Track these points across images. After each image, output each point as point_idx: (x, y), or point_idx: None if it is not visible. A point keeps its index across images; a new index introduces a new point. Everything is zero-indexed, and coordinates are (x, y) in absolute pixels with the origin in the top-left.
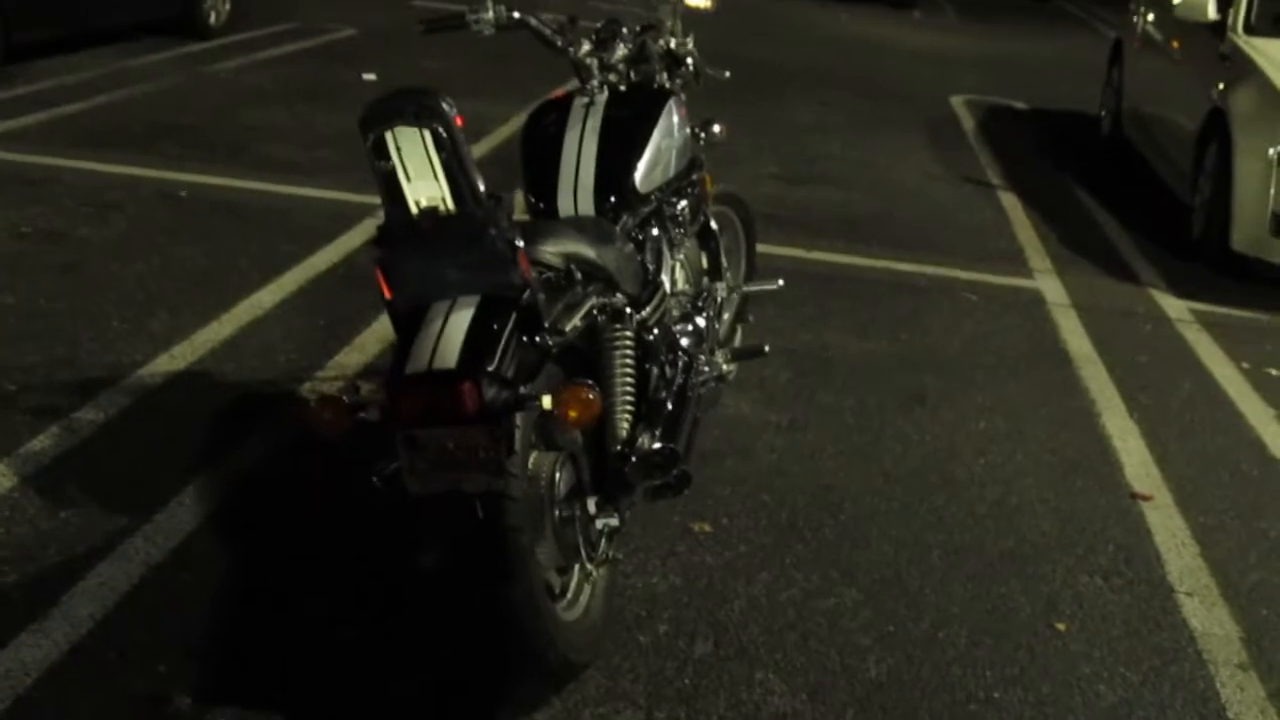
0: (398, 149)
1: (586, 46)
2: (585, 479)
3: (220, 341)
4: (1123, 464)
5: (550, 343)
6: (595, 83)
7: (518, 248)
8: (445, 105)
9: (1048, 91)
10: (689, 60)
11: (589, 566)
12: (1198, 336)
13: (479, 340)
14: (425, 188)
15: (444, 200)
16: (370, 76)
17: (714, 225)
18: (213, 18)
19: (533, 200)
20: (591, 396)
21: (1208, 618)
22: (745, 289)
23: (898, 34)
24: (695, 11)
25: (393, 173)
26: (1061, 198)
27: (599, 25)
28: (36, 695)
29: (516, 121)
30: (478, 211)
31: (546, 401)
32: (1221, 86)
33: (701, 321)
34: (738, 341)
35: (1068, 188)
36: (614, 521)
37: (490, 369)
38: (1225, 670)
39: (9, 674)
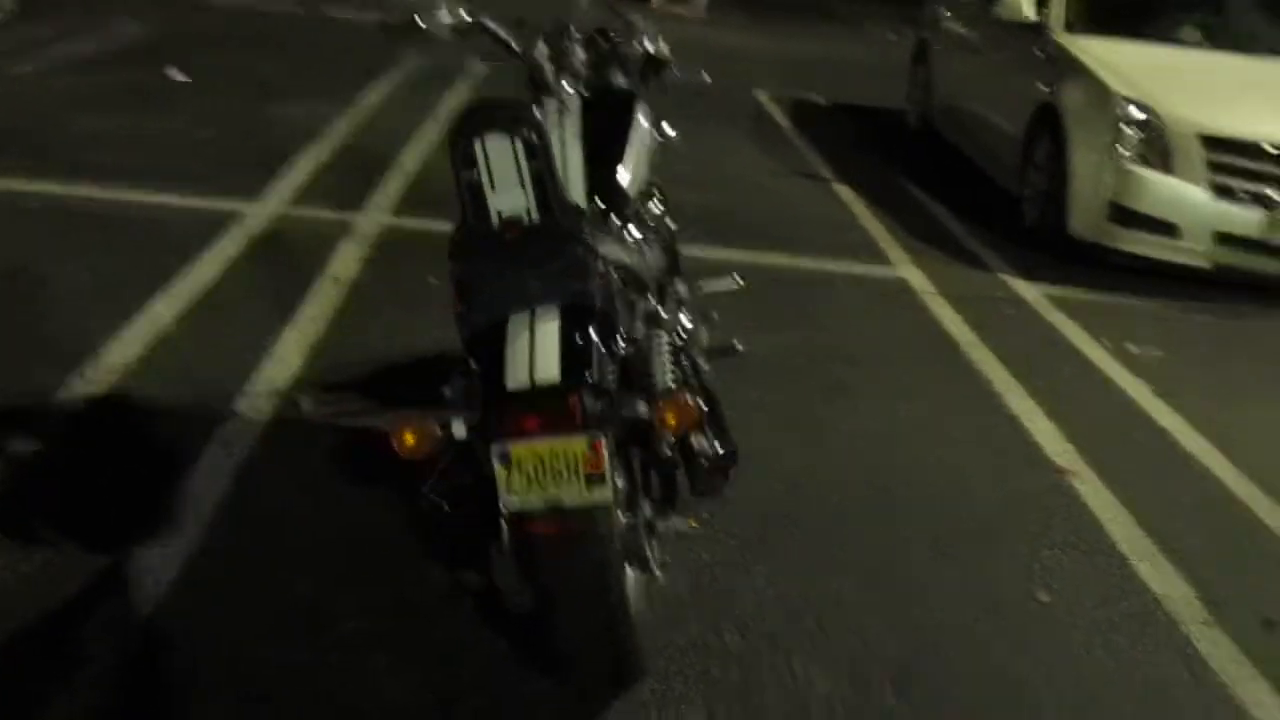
0: (486, 158)
1: (545, 50)
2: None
3: (135, 360)
4: (1039, 443)
5: (624, 350)
6: (566, 87)
7: (600, 256)
8: (538, 114)
9: (846, 89)
10: (668, 63)
11: (655, 570)
12: (1058, 318)
13: (573, 351)
14: (510, 198)
15: (529, 211)
16: (182, 77)
17: (670, 223)
18: None
19: None
20: (690, 403)
21: (1164, 581)
22: (705, 289)
23: (692, 31)
24: (677, 17)
25: (478, 183)
26: (892, 190)
27: (546, 28)
28: None
29: (344, 124)
30: (564, 221)
31: (643, 409)
32: (1048, 84)
33: (688, 321)
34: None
35: (895, 180)
36: (684, 525)
37: (590, 380)
38: (1195, 628)
39: None
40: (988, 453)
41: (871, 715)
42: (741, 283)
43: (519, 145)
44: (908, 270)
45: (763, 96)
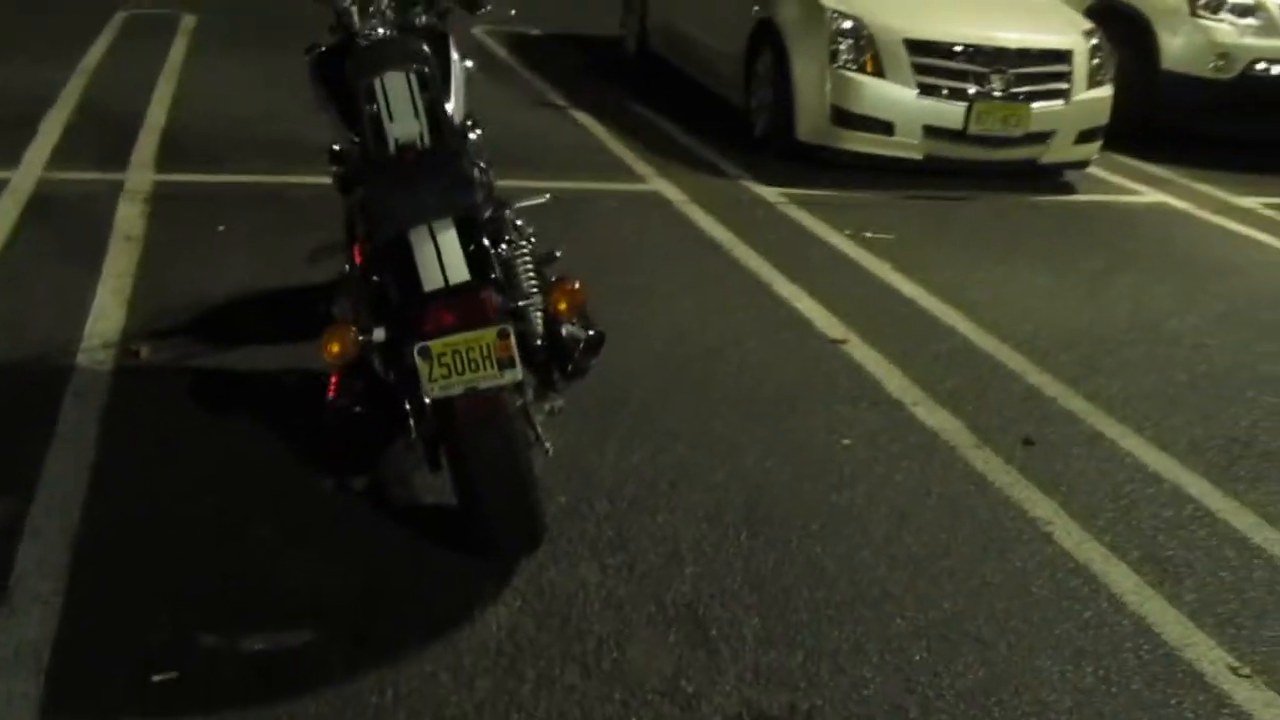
0: (385, 93)
1: None
2: None
3: None
4: (810, 319)
5: (504, 253)
6: (379, 29)
7: (485, 170)
8: (426, 49)
9: (558, 19)
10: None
11: (546, 445)
12: (800, 214)
13: (475, 254)
14: (405, 126)
15: (422, 136)
16: None
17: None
18: None
19: (356, 140)
20: (577, 287)
21: (937, 419)
22: (518, 204)
23: None
24: None
25: (377, 115)
26: (626, 113)
27: None
28: None
29: (77, 84)
30: (452, 142)
31: (538, 298)
32: (764, 3)
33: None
34: None
35: (625, 103)
36: (561, 403)
37: (494, 277)
38: (970, 452)
39: None
40: (769, 331)
41: (734, 550)
42: (548, 198)
43: (413, 78)
44: (659, 184)
45: (476, 30)
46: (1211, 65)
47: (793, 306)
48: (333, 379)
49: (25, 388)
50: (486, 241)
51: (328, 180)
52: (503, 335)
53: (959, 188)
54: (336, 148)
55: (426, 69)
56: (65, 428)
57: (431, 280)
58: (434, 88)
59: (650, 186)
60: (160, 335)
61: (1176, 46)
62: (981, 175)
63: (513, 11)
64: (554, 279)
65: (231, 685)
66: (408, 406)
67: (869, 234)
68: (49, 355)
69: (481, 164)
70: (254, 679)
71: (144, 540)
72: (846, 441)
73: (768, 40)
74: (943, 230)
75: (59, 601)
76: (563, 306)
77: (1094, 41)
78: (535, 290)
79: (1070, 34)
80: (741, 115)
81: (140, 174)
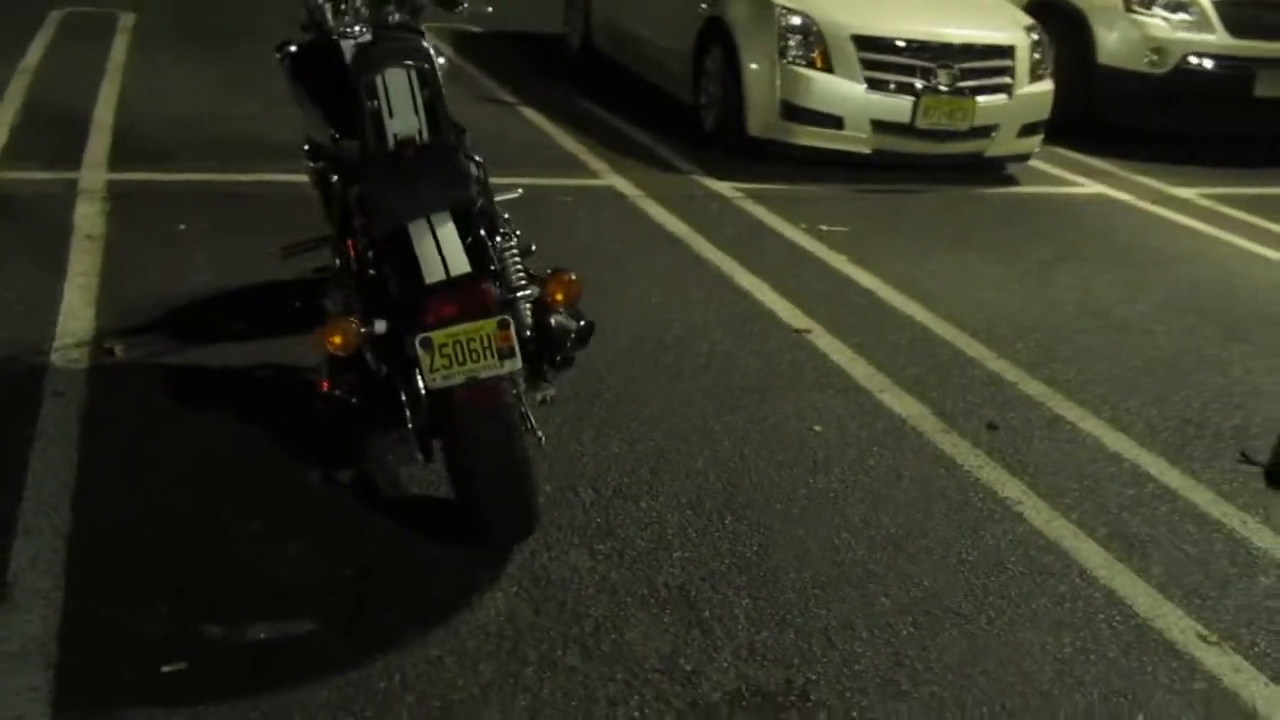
0: (386, 90)
1: None
2: None
3: None
4: (773, 310)
5: (501, 242)
6: (357, 27)
7: (480, 164)
8: (429, 47)
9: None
10: None
11: (538, 434)
12: (755, 208)
13: (474, 246)
14: (404, 122)
15: (420, 131)
16: None
17: None
18: None
19: (337, 136)
20: (573, 278)
21: (903, 405)
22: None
23: None
24: None
25: (378, 111)
26: (574, 109)
27: None
28: None
29: (20, 83)
30: (449, 138)
31: (534, 289)
32: (712, 1)
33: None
34: None
35: (573, 100)
36: (553, 391)
37: (493, 268)
38: (936, 436)
39: None
40: (735, 323)
41: (719, 535)
42: (520, 192)
43: (414, 75)
44: (613, 179)
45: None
46: (1146, 60)
47: (755, 298)
48: (323, 371)
49: (2, 388)
50: (483, 233)
51: (281, 178)
52: (503, 325)
53: (907, 181)
54: (311, 144)
55: (427, 65)
56: (47, 426)
57: (433, 272)
58: (433, 84)
59: (605, 181)
60: (132, 333)
61: (1112, 42)
62: (928, 169)
63: (489, 9)
64: (549, 270)
65: (239, 674)
66: (403, 397)
67: (824, 227)
68: (23, 355)
69: (477, 158)
70: (260, 668)
71: (135, 535)
72: (818, 428)
73: (717, 37)
74: (894, 223)
75: (59, 597)
76: (559, 297)
77: (1035, 37)
78: (523, 282)
79: (1013, 30)
80: (690, 111)
81: (94, 173)
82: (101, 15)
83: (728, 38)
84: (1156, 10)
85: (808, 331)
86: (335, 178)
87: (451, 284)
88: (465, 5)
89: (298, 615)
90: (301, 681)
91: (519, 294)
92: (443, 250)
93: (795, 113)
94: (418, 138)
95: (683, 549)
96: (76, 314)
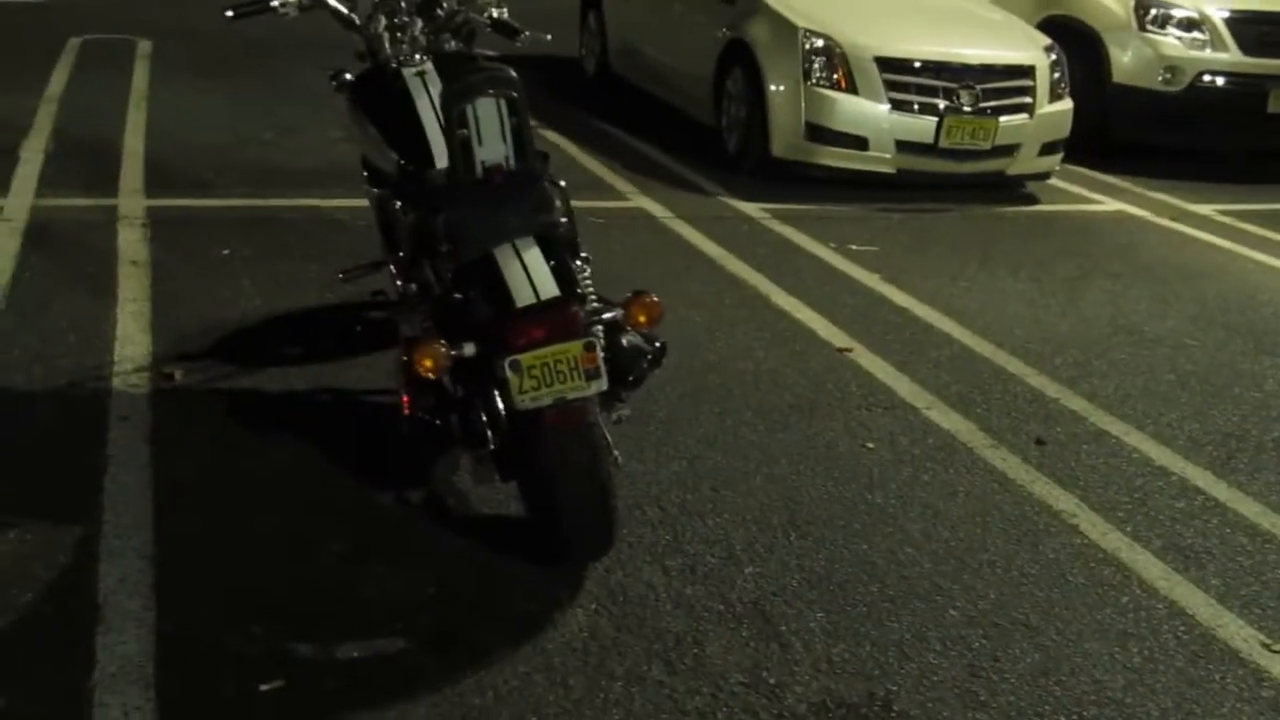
0: (476, 119)
1: (383, 22)
2: None
3: None
4: (813, 329)
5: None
6: (417, 54)
7: (562, 188)
8: (515, 75)
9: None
10: (518, 30)
11: (615, 454)
12: (784, 229)
13: (560, 270)
14: (492, 149)
15: (508, 159)
16: None
17: None
18: None
19: (401, 162)
20: (655, 300)
21: (950, 421)
22: None
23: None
24: None
25: (468, 139)
26: (594, 131)
27: (380, 2)
28: None
29: (47, 111)
30: (535, 164)
31: (618, 312)
32: (733, 24)
33: None
34: None
35: (591, 122)
36: (627, 412)
37: (579, 292)
38: (986, 452)
39: None
40: (776, 342)
41: (784, 549)
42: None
43: (503, 104)
44: (642, 200)
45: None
46: (1160, 78)
47: (794, 317)
48: (404, 395)
49: (69, 415)
50: (566, 257)
51: (310, 202)
52: (589, 347)
53: (930, 200)
54: (370, 169)
55: (515, 94)
56: (116, 450)
57: (523, 296)
58: (521, 112)
59: (634, 203)
60: (190, 358)
61: (1126, 61)
62: (950, 188)
63: (548, 37)
64: (630, 293)
65: (336, 692)
66: (484, 418)
67: (854, 246)
68: (84, 382)
69: (561, 183)
70: (356, 686)
71: (219, 556)
72: (870, 445)
73: (739, 60)
74: (922, 241)
75: (150, 617)
76: (642, 319)
77: (1054, 56)
78: (597, 304)
79: (1032, 50)
80: (711, 133)
81: (132, 199)
82: (119, 42)
83: (750, 60)
84: (1169, 29)
85: (850, 350)
86: (399, 203)
87: (541, 308)
88: (526, 35)
89: (387, 633)
90: (397, 698)
91: (603, 316)
92: (530, 274)
93: (820, 134)
94: (505, 164)
95: (752, 564)
96: (132, 339)
